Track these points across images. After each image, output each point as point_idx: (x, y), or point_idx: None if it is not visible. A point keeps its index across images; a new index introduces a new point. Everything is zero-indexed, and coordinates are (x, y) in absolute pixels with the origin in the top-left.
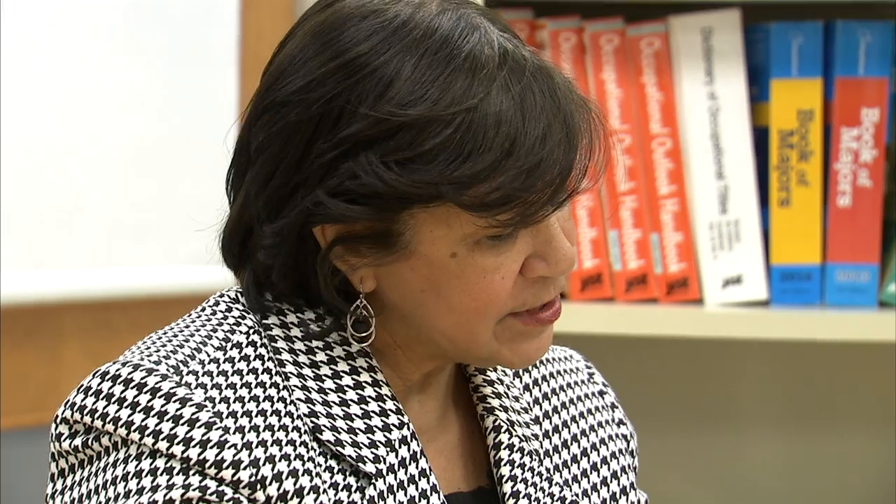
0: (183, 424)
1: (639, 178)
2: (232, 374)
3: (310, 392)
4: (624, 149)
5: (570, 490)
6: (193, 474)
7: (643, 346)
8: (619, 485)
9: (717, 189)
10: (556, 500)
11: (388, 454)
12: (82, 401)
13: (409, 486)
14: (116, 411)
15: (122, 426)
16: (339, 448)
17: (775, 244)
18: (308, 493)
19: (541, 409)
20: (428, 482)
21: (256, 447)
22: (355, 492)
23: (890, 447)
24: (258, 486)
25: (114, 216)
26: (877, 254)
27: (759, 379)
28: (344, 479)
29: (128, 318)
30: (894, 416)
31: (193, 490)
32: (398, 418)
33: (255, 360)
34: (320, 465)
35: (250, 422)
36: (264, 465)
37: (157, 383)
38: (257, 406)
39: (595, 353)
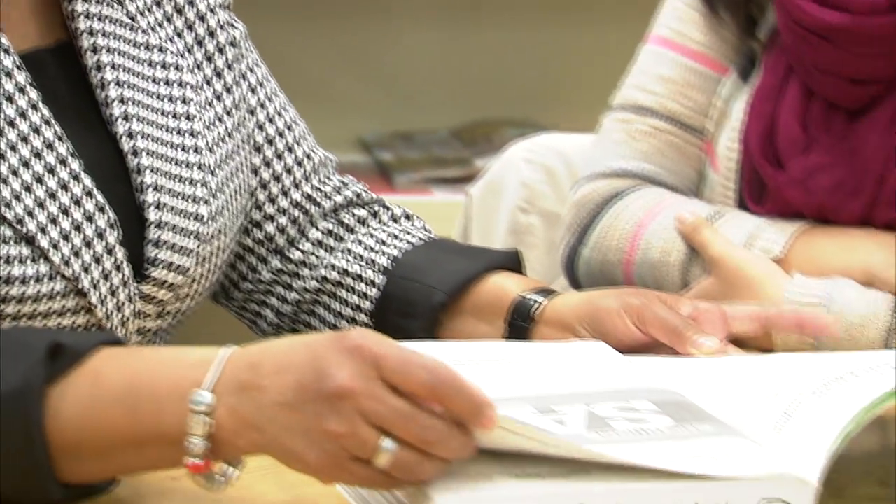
0: None
1: None
2: None
3: None
4: None
5: (156, 34)
6: None
7: None
8: (216, 20)
9: None
10: (140, 47)
11: None
12: None
13: None
14: None
15: None
16: None
17: None
18: None
19: None
20: None
21: None
22: None
23: (530, 38)
24: None
25: None
26: None
27: None
28: None
29: None
30: (540, 16)
31: None
32: None
33: None
34: None
35: None
36: None
37: None
38: None
39: None
